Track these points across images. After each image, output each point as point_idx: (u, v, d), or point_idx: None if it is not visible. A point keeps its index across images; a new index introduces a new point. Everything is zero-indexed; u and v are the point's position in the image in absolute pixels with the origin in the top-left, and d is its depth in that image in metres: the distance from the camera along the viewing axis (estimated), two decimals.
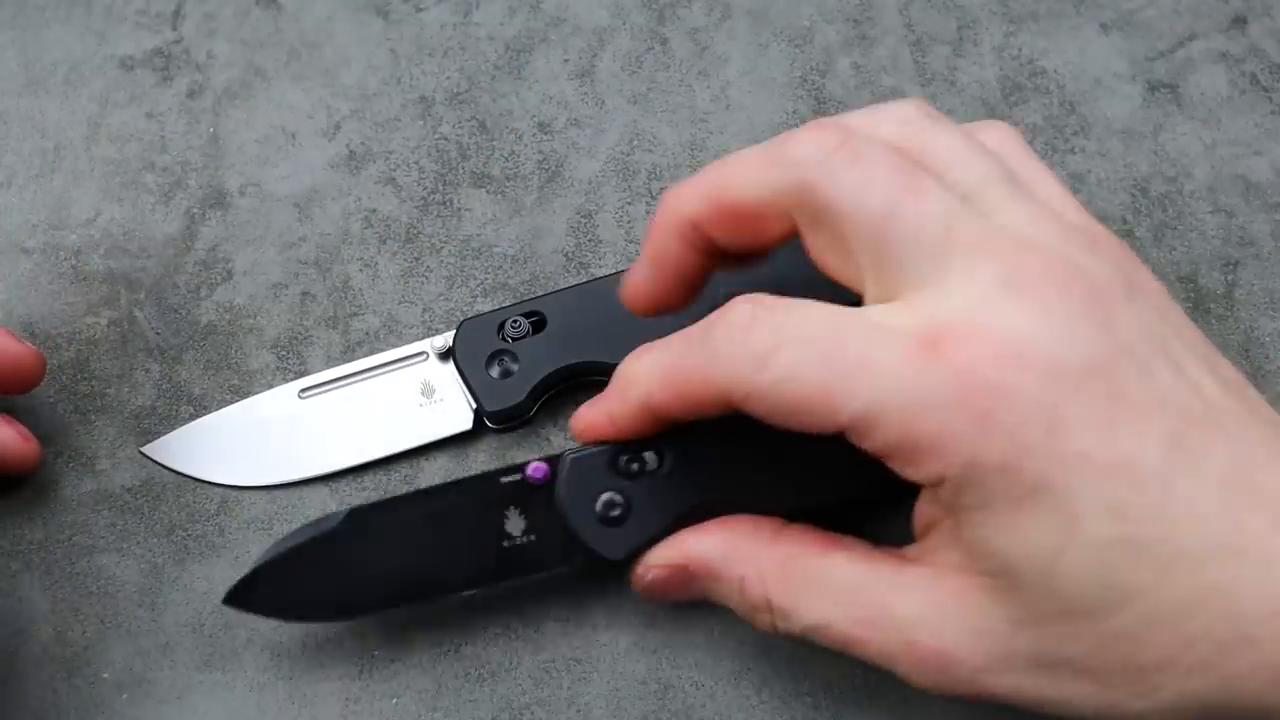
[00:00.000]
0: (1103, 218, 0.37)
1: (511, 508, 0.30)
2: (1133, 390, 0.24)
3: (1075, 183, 0.38)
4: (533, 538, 0.30)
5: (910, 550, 0.27)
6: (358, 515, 0.30)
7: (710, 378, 0.26)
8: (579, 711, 0.31)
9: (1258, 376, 0.35)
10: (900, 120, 0.27)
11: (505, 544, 0.30)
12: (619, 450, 0.30)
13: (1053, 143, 0.39)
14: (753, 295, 0.26)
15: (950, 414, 0.24)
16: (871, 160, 0.26)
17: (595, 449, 0.30)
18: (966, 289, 0.24)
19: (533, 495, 0.30)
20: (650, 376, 0.28)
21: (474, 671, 0.32)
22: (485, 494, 0.30)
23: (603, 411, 0.30)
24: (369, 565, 0.30)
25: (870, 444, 0.25)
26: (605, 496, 0.29)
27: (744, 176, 0.27)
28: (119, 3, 0.43)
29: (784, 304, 0.26)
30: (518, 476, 0.30)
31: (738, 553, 0.28)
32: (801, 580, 0.28)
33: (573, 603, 0.33)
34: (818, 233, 0.26)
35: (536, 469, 0.30)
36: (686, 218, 0.28)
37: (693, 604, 0.32)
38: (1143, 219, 0.37)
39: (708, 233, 0.28)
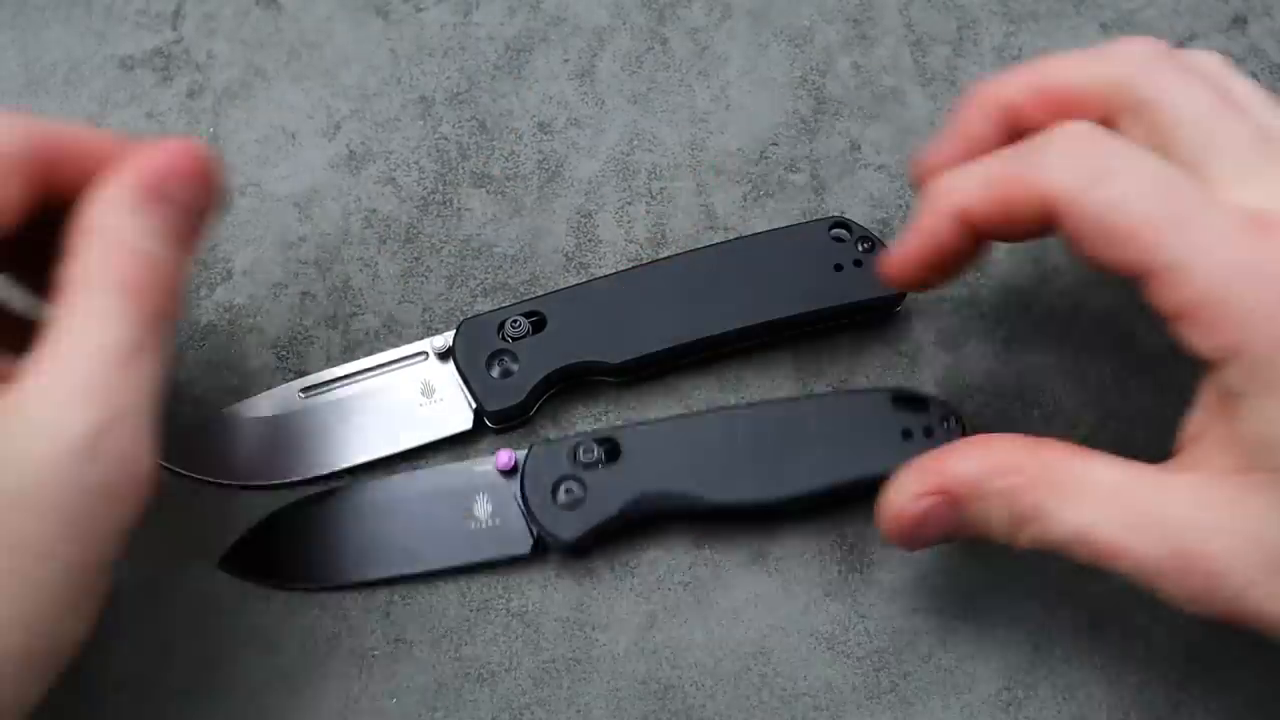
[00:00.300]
0: None
1: (481, 493, 0.33)
2: None
3: None
4: (497, 521, 0.32)
5: (1172, 463, 0.26)
6: (339, 490, 0.33)
7: (1037, 183, 0.26)
8: (579, 711, 0.31)
9: None
10: (1212, 65, 0.29)
11: (472, 526, 0.33)
12: (578, 443, 0.32)
13: None
14: (1087, 120, 0.27)
15: (1264, 288, 0.24)
16: (1192, 73, 0.27)
17: (558, 440, 0.33)
18: None
19: (500, 482, 0.33)
20: (969, 183, 0.28)
21: (474, 671, 0.32)
22: (460, 480, 0.33)
23: (911, 234, 0.29)
24: (348, 537, 0.33)
25: (1173, 298, 0.25)
26: (564, 484, 0.32)
27: (1069, 65, 0.29)
28: (119, 3, 0.43)
29: (1122, 136, 0.27)
30: (489, 467, 0.33)
31: (1002, 465, 0.27)
32: (1066, 484, 0.26)
33: (573, 603, 0.33)
34: (1135, 123, 0.27)
35: (504, 457, 0.33)
36: (1003, 98, 0.29)
37: (701, 602, 0.32)
38: None
39: (1020, 113, 0.29)
